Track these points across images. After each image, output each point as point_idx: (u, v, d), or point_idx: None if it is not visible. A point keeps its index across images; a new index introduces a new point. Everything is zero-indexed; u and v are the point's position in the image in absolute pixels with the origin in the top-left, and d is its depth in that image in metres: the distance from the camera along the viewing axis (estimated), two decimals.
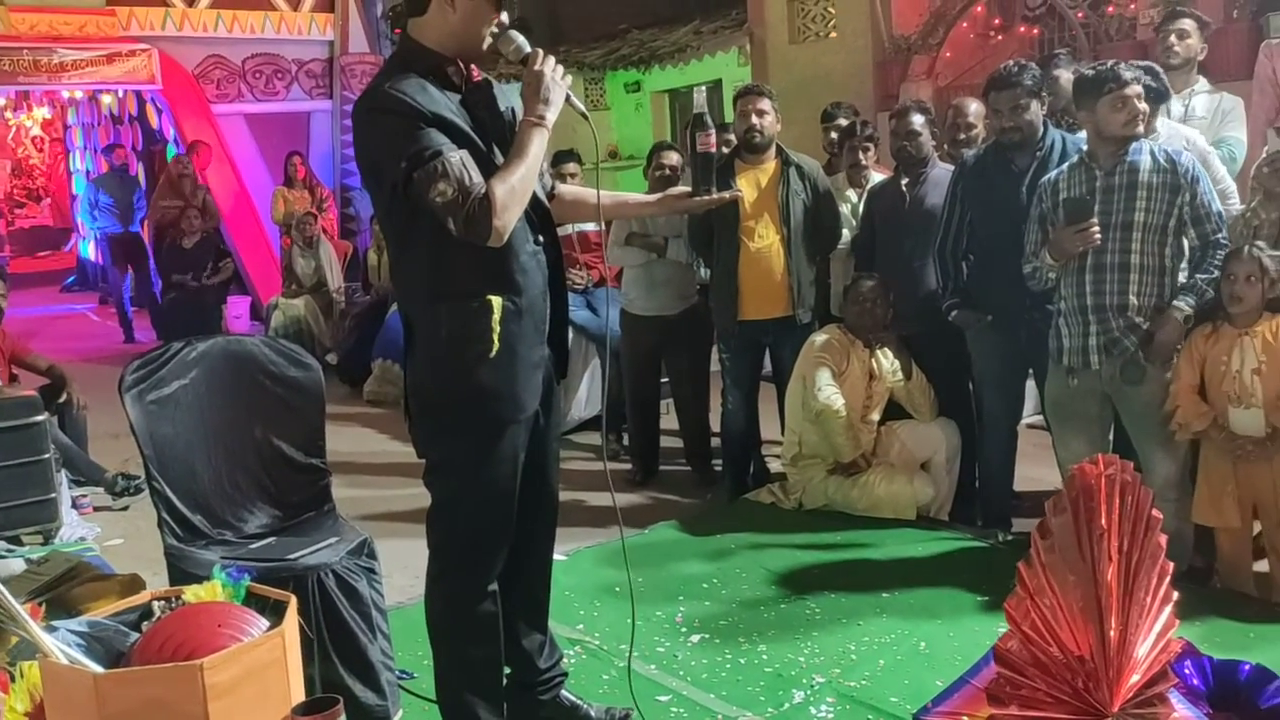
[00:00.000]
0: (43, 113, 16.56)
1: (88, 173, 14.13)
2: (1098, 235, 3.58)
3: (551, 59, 2.54)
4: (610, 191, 3.08)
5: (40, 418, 4.63)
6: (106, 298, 12.87)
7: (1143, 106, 3.57)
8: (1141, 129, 3.60)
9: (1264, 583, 3.63)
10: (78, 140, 14.64)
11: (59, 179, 17.49)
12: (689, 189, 2.87)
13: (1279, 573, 3.57)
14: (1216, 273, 3.56)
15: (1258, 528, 3.64)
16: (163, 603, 1.91)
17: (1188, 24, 4.46)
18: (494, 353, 2.52)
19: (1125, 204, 3.59)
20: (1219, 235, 3.57)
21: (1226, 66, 5.91)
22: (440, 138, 2.40)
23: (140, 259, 10.43)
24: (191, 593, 1.87)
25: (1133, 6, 7.33)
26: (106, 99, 12.15)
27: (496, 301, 2.53)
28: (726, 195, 2.95)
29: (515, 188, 2.43)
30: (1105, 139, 3.63)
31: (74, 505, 5.07)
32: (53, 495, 4.61)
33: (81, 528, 4.87)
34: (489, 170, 2.46)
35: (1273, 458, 3.48)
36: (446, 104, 2.47)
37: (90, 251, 14.33)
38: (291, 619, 1.83)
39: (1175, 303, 3.59)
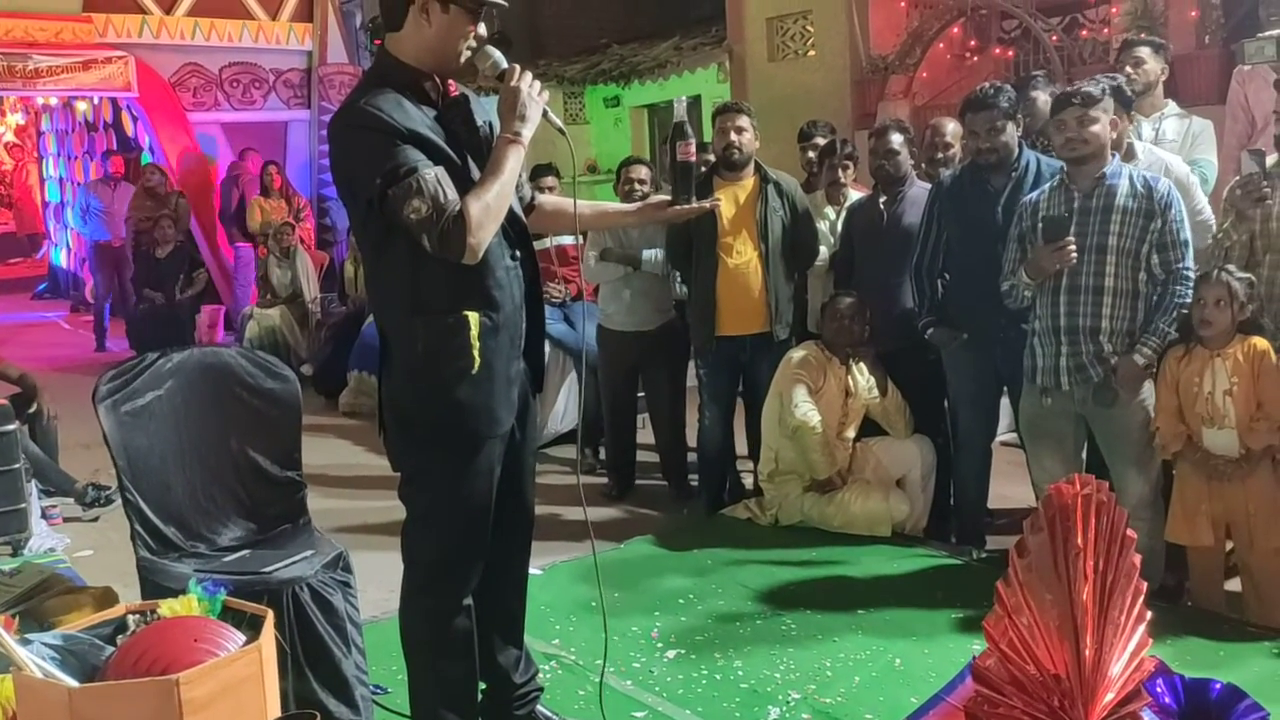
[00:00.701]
0: (16, 119, 16.42)
1: (61, 179, 14.03)
2: (1074, 254, 3.62)
3: (529, 75, 2.54)
4: (590, 201, 3.09)
5: (10, 427, 4.59)
6: (78, 305, 12.77)
7: (1091, 131, 3.57)
8: (1081, 151, 3.62)
9: (1235, 602, 3.66)
10: (51, 147, 14.53)
11: (23, 186, 17.31)
12: (668, 198, 2.89)
13: (1250, 592, 3.60)
14: (1176, 313, 3.58)
15: (1229, 546, 3.68)
16: (138, 616, 1.89)
17: (1143, 51, 4.51)
18: (475, 369, 2.52)
19: (1100, 227, 3.63)
20: (1181, 265, 3.57)
21: (1198, 91, 6.01)
22: (416, 154, 2.40)
23: (124, 266, 10.39)
24: (167, 606, 1.86)
25: (1106, 30, 7.45)
26: (81, 105, 12.07)
27: (473, 317, 2.52)
28: (706, 204, 2.97)
29: (490, 205, 2.43)
30: (1065, 160, 3.70)
31: (43, 516, 5.02)
32: (22, 505, 4.57)
33: (51, 538, 4.82)
34: (465, 186, 2.46)
35: (1246, 478, 3.52)
36: (423, 120, 2.47)
37: (63, 259, 14.22)
38: (268, 634, 1.82)
39: (1138, 347, 3.61)
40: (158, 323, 9.00)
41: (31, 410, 5.38)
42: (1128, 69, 4.45)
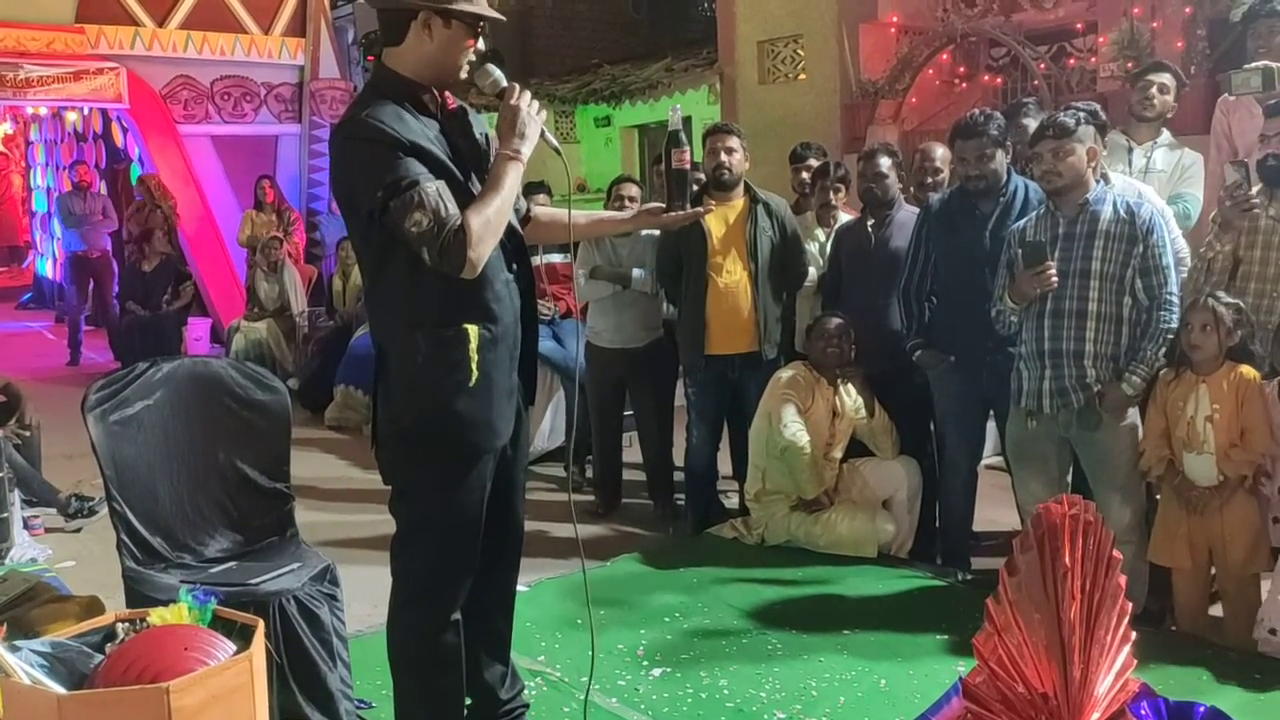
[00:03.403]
0: (4, 128, 16.37)
1: (49, 189, 13.99)
2: (1054, 279, 3.65)
3: (528, 94, 2.57)
4: (585, 211, 3.12)
5: None
6: (63, 316, 12.71)
7: (1067, 163, 3.60)
8: (1058, 183, 3.65)
9: (1219, 627, 3.68)
10: (39, 156, 14.49)
11: (10, 196, 17.23)
12: (663, 205, 2.91)
13: (1231, 617, 3.62)
14: (1163, 340, 3.59)
15: (1214, 570, 3.70)
16: (127, 624, 1.89)
17: (1168, 79, 4.53)
18: (473, 381, 2.53)
19: (1084, 252, 3.66)
20: (1165, 290, 3.59)
21: (1183, 121, 6.07)
22: (417, 167, 2.41)
23: (103, 278, 10.33)
24: (157, 615, 1.85)
25: (1093, 59, 7.54)
26: (71, 116, 12.03)
27: (472, 330, 2.54)
28: (701, 210, 2.99)
29: (491, 220, 2.44)
30: (1045, 191, 3.74)
31: (25, 526, 4.98)
32: (5, 515, 4.53)
33: (32, 549, 4.79)
34: (466, 198, 2.47)
35: (1223, 505, 3.55)
36: (424, 132, 2.49)
37: (48, 269, 14.16)
38: (259, 643, 1.82)
39: (1126, 375, 3.62)
40: (144, 334, 8.96)
41: (13, 419, 5.34)
42: (1152, 91, 4.47)
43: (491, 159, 2.58)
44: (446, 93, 2.62)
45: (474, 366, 2.52)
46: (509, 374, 2.65)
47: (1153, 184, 4.36)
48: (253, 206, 9.84)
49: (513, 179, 2.51)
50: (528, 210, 2.88)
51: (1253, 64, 4.22)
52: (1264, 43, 4.58)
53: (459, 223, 2.39)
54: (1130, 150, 4.53)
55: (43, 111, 12.41)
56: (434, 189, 2.40)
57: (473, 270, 2.44)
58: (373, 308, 2.76)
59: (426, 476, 2.60)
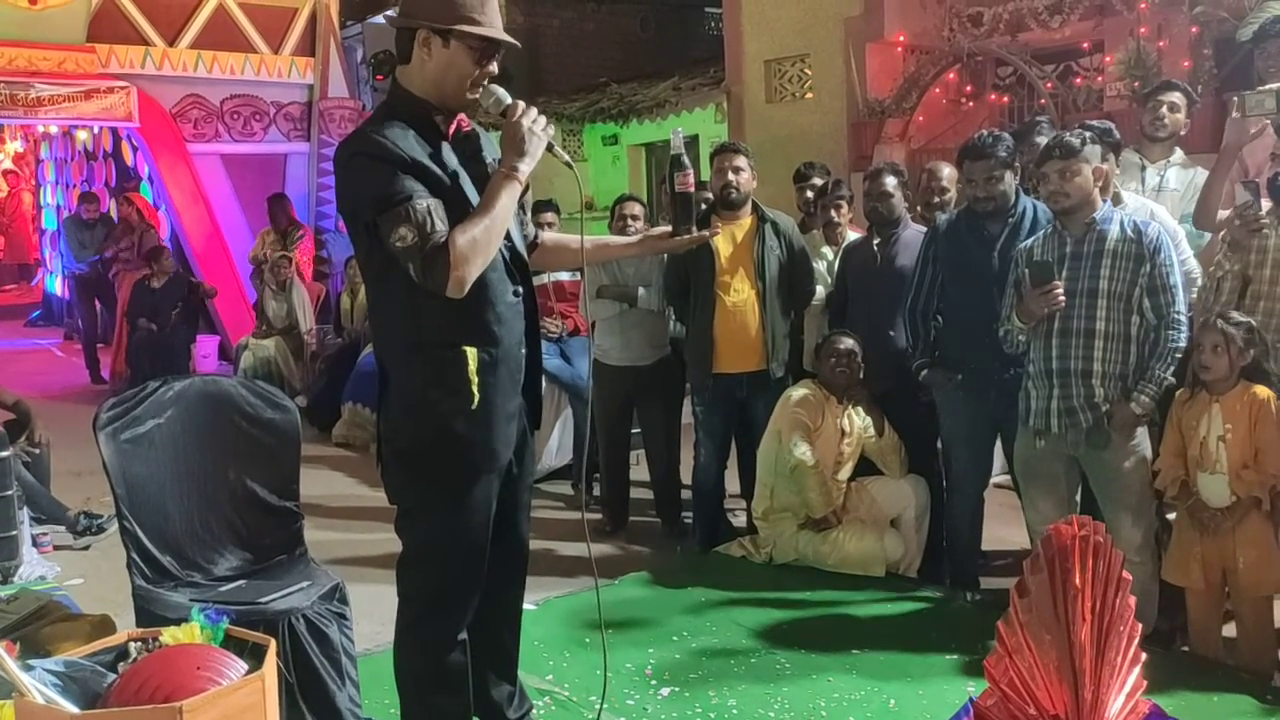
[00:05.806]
0: (15, 146, 16.46)
1: (58, 208, 14.06)
2: (1061, 298, 3.65)
3: (534, 110, 2.56)
4: (592, 236, 3.12)
5: (4, 454, 4.57)
6: (72, 333, 12.75)
7: (1074, 184, 3.60)
8: (1065, 204, 3.65)
9: (1232, 648, 3.65)
10: (49, 175, 14.57)
11: (20, 214, 17.32)
12: (669, 229, 2.92)
13: (1244, 639, 3.60)
14: (1171, 359, 3.59)
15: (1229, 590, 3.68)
16: (140, 644, 1.89)
17: (1179, 97, 4.53)
18: (475, 404, 2.53)
19: (1091, 271, 3.66)
20: (1172, 310, 3.58)
21: (1191, 140, 6.08)
22: (414, 185, 2.41)
23: (107, 295, 10.38)
24: (170, 634, 1.86)
25: (1100, 79, 7.56)
26: (81, 134, 12.10)
27: (471, 352, 2.53)
28: (706, 234, 3.00)
29: (478, 239, 2.43)
30: (1052, 211, 3.75)
31: (34, 543, 4.99)
32: (14, 533, 4.54)
33: (41, 566, 4.79)
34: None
35: (1236, 526, 3.53)
36: (428, 151, 2.49)
37: (57, 286, 14.22)
38: (271, 663, 1.83)
39: (1135, 395, 3.61)
40: (154, 352, 8.99)
41: (23, 437, 5.37)
42: (1163, 110, 4.48)
43: None
44: (461, 114, 2.63)
45: (475, 389, 2.52)
46: (511, 397, 2.65)
47: (1165, 203, 4.35)
48: (269, 225, 9.87)
49: (507, 198, 2.49)
50: (535, 236, 2.89)
51: (1267, 86, 4.21)
52: (1274, 63, 4.58)
53: (443, 240, 2.39)
54: (1143, 169, 4.53)
55: (53, 130, 12.48)
56: (425, 205, 2.39)
57: (459, 289, 2.43)
58: (375, 327, 2.77)
59: (430, 497, 2.60)
